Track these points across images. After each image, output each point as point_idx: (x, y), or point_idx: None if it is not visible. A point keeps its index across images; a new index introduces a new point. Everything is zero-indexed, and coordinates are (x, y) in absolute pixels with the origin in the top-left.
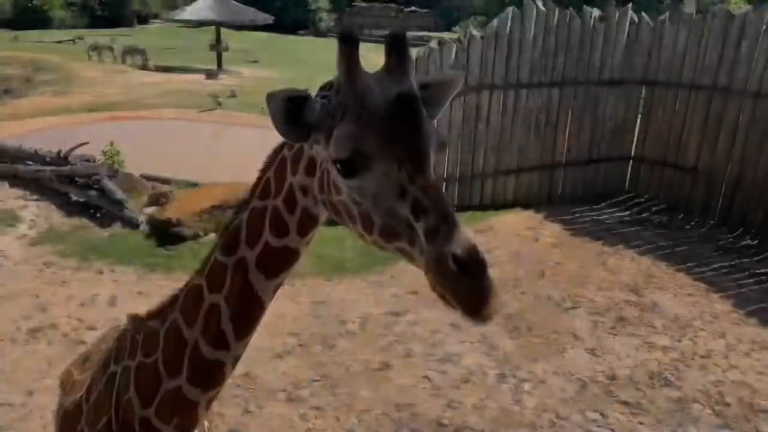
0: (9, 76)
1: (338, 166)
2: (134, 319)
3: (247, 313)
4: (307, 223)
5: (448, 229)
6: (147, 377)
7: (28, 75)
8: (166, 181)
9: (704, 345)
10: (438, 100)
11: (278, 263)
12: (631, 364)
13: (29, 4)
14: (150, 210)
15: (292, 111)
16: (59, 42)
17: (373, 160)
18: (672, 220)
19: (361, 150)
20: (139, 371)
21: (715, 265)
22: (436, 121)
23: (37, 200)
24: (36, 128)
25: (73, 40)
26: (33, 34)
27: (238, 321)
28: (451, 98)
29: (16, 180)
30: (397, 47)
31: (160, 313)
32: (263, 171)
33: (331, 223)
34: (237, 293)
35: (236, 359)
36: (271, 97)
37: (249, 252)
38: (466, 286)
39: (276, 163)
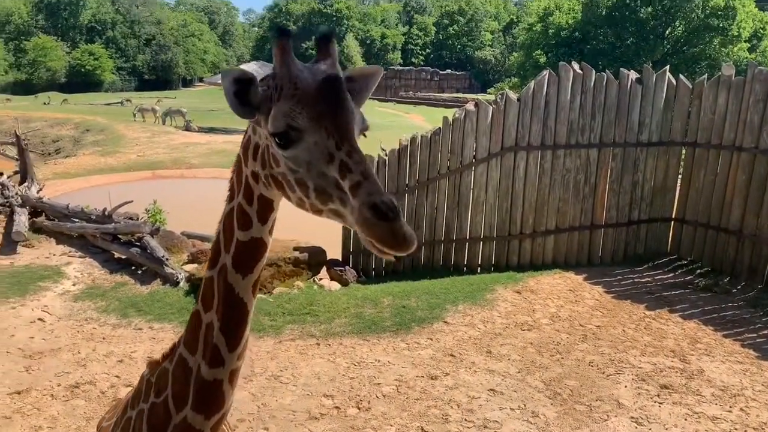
0: (60, 136)
1: (276, 139)
2: (150, 363)
3: (233, 318)
4: (266, 209)
5: (368, 184)
6: (158, 416)
7: (78, 135)
8: (206, 239)
9: (756, 417)
10: (363, 89)
11: (249, 257)
12: None
13: (82, 69)
14: (190, 267)
15: (240, 92)
16: (108, 104)
17: (304, 132)
18: (717, 283)
19: (293, 124)
20: (151, 412)
21: (765, 331)
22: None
23: (81, 257)
24: (83, 186)
25: (121, 102)
26: (83, 97)
27: (227, 330)
28: (374, 87)
29: (62, 236)
30: (325, 43)
31: (170, 352)
32: (230, 176)
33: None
34: (223, 300)
35: (233, 375)
36: (224, 74)
37: (227, 256)
38: (384, 228)
39: (235, 164)
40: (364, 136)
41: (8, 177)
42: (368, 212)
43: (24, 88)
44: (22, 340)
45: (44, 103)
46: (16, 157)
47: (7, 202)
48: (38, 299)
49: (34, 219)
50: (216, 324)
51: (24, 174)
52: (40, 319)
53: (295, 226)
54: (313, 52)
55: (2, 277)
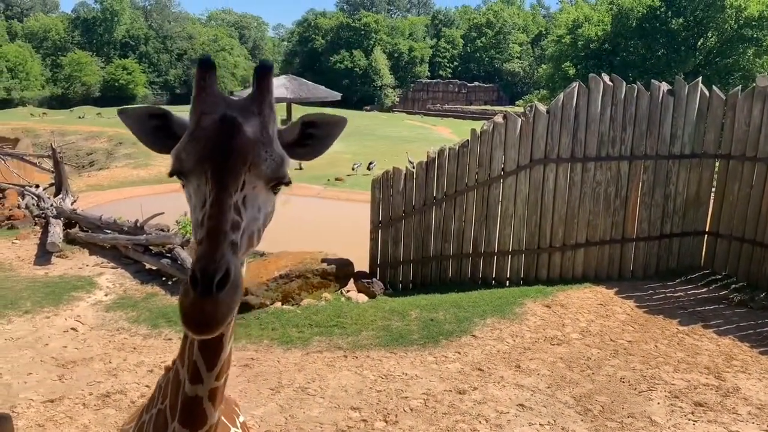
0: (94, 149)
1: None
2: (166, 368)
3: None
4: None
5: (204, 246)
6: (160, 422)
7: (111, 148)
8: None
9: None
10: (325, 136)
11: None
12: None
13: (116, 84)
14: None
15: (162, 127)
16: None
17: (189, 175)
18: (753, 298)
19: (182, 167)
20: (157, 417)
21: None
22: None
23: (113, 267)
24: (116, 198)
25: None
26: (116, 111)
27: (205, 349)
28: (337, 137)
29: (95, 247)
30: (259, 77)
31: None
32: None
33: (394, 295)
34: None
35: (212, 394)
36: (123, 114)
37: None
38: (187, 298)
39: None
40: (285, 184)
41: (44, 189)
42: (188, 276)
43: (60, 102)
44: (55, 349)
45: (79, 117)
46: (52, 169)
47: (43, 213)
48: (71, 309)
49: (68, 230)
50: (196, 341)
51: (59, 186)
52: (73, 328)
53: (323, 238)
54: (341, 65)
55: (37, 287)
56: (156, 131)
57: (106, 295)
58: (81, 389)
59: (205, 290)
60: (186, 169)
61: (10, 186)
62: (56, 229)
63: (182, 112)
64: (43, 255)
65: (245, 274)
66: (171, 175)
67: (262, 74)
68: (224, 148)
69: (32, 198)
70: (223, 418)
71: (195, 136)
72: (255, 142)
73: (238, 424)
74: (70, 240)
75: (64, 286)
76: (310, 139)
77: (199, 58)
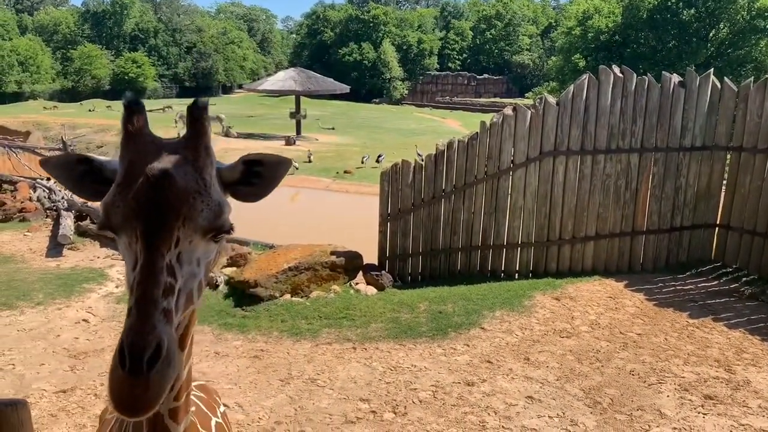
0: (105, 142)
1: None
2: None
3: None
4: None
5: (133, 316)
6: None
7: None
8: (244, 243)
9: None
10: (270, 177)
11: None
12: None
13: (126, 77)
14: (229, 271)
15: (89, 171)
16: (150, 111)
17: (118, 231)
18: (764, 291)
19: (110, 222)
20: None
21: None
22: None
23: (123, 259)
24: None
25: (163, 109)
26: None
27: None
28: (282, 178)
29: (106, 239)
30: (192, 118)
31: None
32: None
33: (403, 287)
34: None
35: (173, 413)
36: (46, 164)
37: None
38: (115, 375)
39: None
40: (226, 233)
41: (55, 182)
42: (117, 349)
43: (70, 95)
44: (67, 341)
45: (89, 110)
46: None
47: (54, 206)
48: (83, 301)
49: (79, 222)
50: None
51: None
52: (84, 320)
53: (332, 231)
54: (350, 57)
55: (49, 279)
56: (84, 177)
57: (117, 286)
58: (93, 380)
59: (134, 369)
60: (115, 225)
61: (22, 179)
62: (67, 222)
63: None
64: (55, 247)
65: (253, 268)
66: (100, 229)
67: (196, 115)
68: (154, 204)
69: (43, 191)
70: (203, 407)
71: (123, 189)
72: (189, 193)
73: (219, 414)
74: (81, 232)
75: (76, 278)
76: (257, 177)
77: (125, 98)
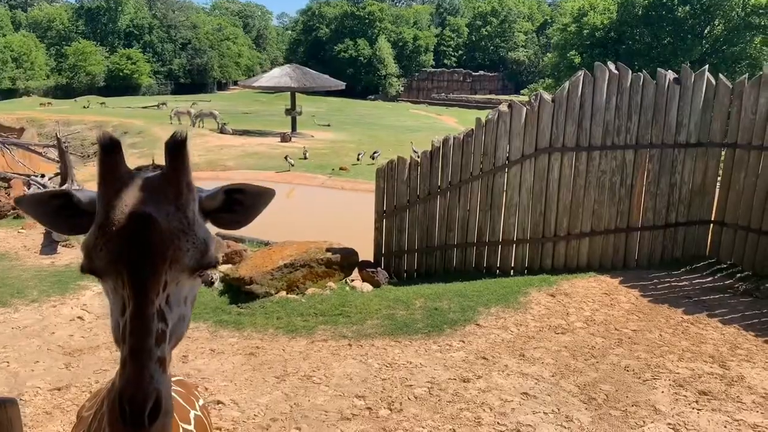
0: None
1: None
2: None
3: None
4: None
5: (129, 368)
6: None
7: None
8: (240, 240)
9: None
10: (252, 206)
11: None
12: None
13: (120, 73)
14: (224, 268)
15: (65, 206)
16: (145, 107)
17: (103, 275)
18: (758, 287)
19: (93, 266)
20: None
21: None
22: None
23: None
24: None
25: (158, 105)
26: (121, 100)
27: None
28: (265, 207)
29: None
30: (172, 154)
31: None
32: None
33: (398, 284)
34: None
35: None
36: (21, 203)
37: None
38: (109, 423)
39: None
40: (213, 267)
41: (50, 179)
42: (113, 403)
43: (64, 91)
44: (62, 338)
45: (84, 107)
46: (57, 159)
47: None
48: (77, 298)
49: None
50: None
51: (65, 176)
52: (79, 317)
53: (327, 227)
54: (345, 54)
55: (44, 276)
56: (59, 212)
57: None
58: (88, 377)
59: (135, 422)
60: (99, 269)
61: (16, 176)
62: None
63: (185, 103)
64: (49, 244)
65: (248, 265)
66: (83, 272)
67: (175, 151)
68: (139, 249)
69: (38, 187)
70: (181, 401)
71: (105, 232)
72: (173, 234)
73: (198, 407)
74: None
75: (70, 275)
76: (239, 206)
77: (101, 138)
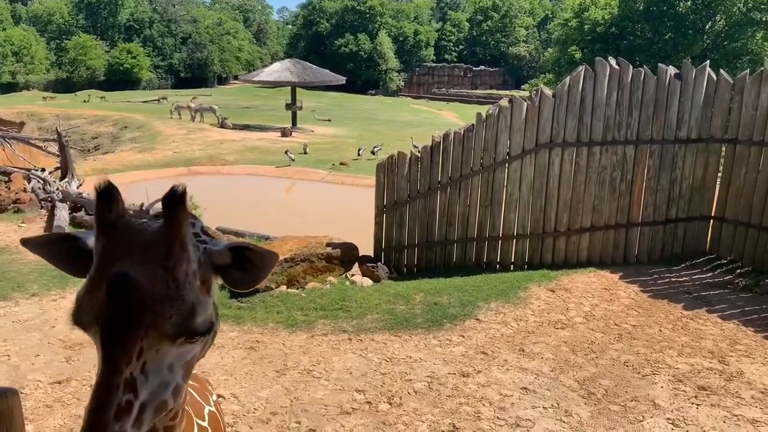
0: (99, 133)
1: None
2: None
3: None
4: None
5: None
6: None
7: (116, 132)
8: (240, 235)
9: None
10: (260, 265)
11: None
12: None
13: (120, 67)
14: None
15: (73, 249)
16: (145, 102)
17: (87, 329)
18: (758, 283)
19: (80, 320)
20: None
21: None
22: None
23: None
24: (121, 182)
25: (158, 100)
26: (121, 95)
27: None
28: (271, 269)
29: None
30: (167, 209)
31: None
32: None
33: (398, 279)
34: None
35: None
36: (28, 244)
37: None
38: None
39: None
40: (195, 336)
41: (50, 173)
42: None
43: (65, 86)
44: (62, 332)
45: (84, 101)
46: (58, 153)
47: (49, 197)
48: None
49: (74, 214)
50: None
51: (65, 170)
52: None
53: (328, 222)
54: (346, 49)
55: (44, 270)
56: (69, 254)
57: None
58: (88, 371)
59: None
60: (84, 324)
61: (16, 170)
62: (62, 213)
63: (185, 97)
64: None
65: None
66: (70, 323)
67: (171, 208)
68: (114, 313)
69: (38, 182)
70: (196, 396)
71: (92, 286)
72: (155, 299)
73: (212, 402)
74: (76, 224)
75: None
76: (250, 264)
77: (98, 186)
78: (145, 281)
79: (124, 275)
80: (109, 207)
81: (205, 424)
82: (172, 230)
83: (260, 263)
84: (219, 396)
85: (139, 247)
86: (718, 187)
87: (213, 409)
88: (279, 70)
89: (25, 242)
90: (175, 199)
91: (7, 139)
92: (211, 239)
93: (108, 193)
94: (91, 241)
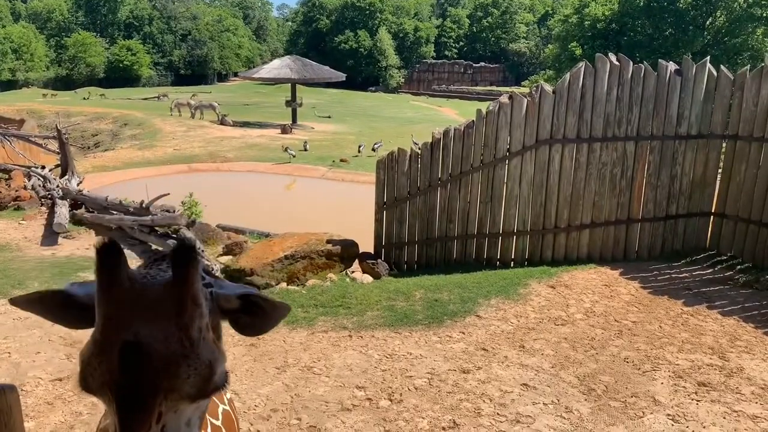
0: (99, 130)
1: None
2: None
3: None
4: None
5: None
6: None
7: (116, 129)
8: (240, 232)
9: None
10: (269, 317)
11: None
12: None
13: (120, 65)
14: (225, 259)
15: (63, 303)
16: (145, 99)
17: (97, 395)
18: (758, 279)
19: (87, 385)
20: None
21: None
22: None
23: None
24: (121, 179)
25: (158, 97)
26: (121, 92)
27: None
28: (282, 319)
29: (101, 228)
30: (178, 264)
31: None
32: None
33: (399, 276)
34: None
35: None
36: (16, 303)
37: None
38: None
39: None
40: (215, 393)
41: (50, 170)
42: None
43: (64, 83)
44: (63, 329)
45: (84, 98)
46: (58, 150)
47: (49, 194)
48: None
49: (75, 211)
50: None
51: (65, 167)
52: None
53: (328, 219)
54: (345, 45)
55: (45, 267)
56: (60, 308)
57: None
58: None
59: None
60: (93, 389)
61: (17, 167)
62: (63, 210)
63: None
64: (50, 236)
65: (249, 256)
66: (77, 389)
67: (181, 261)
68: (128, 381)
69: (38, 179)
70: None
71: (99, 349)
72: (171, 360)
73: (226, 401)
74: (76, 221)
75: (71, 267)
76: (259, 309)
77: (99, 244)
78: (159, 344)
79: (137, 342)
80: (111, 269)
81: (218, 423)
82: (185, 287)
83: (271, 312)
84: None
85: (147, 305)
86: (718, 183)
87: (227, 407)
88: (279, 67)
89: (14, 302)
90: (185, 253)
91: (7, 137)
92: (215, 280)
93: (110, 253)
94: (81, 292)
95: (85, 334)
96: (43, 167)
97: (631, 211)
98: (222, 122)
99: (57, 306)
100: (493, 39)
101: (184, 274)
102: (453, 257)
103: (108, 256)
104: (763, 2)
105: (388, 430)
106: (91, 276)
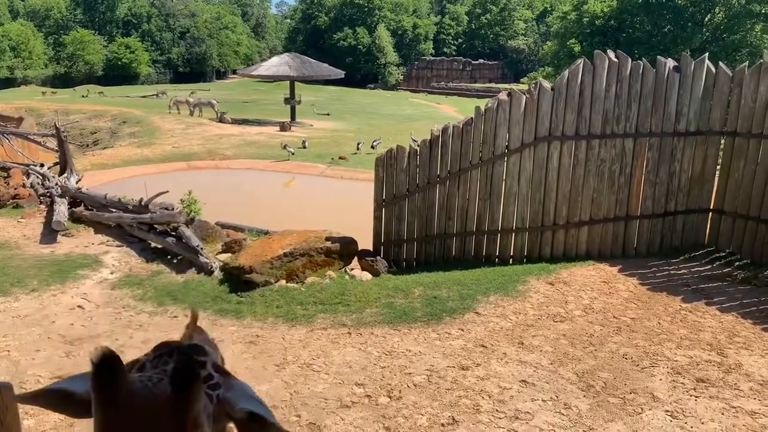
0: (98, 128)
1: None
2: None
3: None
4: None
5: None
6: None
7: (115, 127)
8: (239, 229)
9: None
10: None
11: None
12: (715, 428)
13: (119, 62)
14: (224, 257)
15: (64, 398)
16: (144, 96)
17: None
18: (757, 275)
19: None
20: None
21: None
22: None
23: (118, 246)
24: (120, 177)
25: (157, 95)
26: (119, 89)
27: None
28: None
29: (100, 226)
30: (179, 388)
31: None
32: None
33: (398, 273)
34: None
35: None
36: (22, 399)
37: None
38: None
39: None
40: None
41: (49, 168)
42: None
43: (63, 81)
44: (62, 327)
45: (83, 96)
46: (56, 148)
47: (48, 192)
48: (77, 287)
49: (74, 209)
50: None
51: (64, 165)
52: (79, 306)
53: (327, 216)
54: (344, 42)
55: (44, 265)
56: (61, 402)
57: (111, 273)
58: (88, 366)
59: None
60: None
61: (15, 165)
62: (61, 208)
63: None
64: (49, 233)
65: (248, 254)
66: None
67: (182, 385)
68: None
69: (37, 177)
70: None
71: None
72: None
73: None
74: (75, 218)
75: (71, 264)
76: (262, 420)
77: (95, 355)
78: None
79: None
80: (109, 384)
81: None
82: (185, 409)
83: (273, 424)
84: None
85: (146, 422)
86: (717, 179)
87: None
88: (277, 64)
89: (20, 399)
90: (187, 376)
91: (5, 135)
92: (225, 378)
93: (107, 366)
94: (82, 390)
95: (84, 332)
96: (42, 165)
97: (630, 207)
98: (221, 120)
99: (59, 401)
100: (491, 36)
101: (185, 399)
102: (452, 254)
103: (105, 373)
104: None
105: (387, 426)
106: (88, 273)
